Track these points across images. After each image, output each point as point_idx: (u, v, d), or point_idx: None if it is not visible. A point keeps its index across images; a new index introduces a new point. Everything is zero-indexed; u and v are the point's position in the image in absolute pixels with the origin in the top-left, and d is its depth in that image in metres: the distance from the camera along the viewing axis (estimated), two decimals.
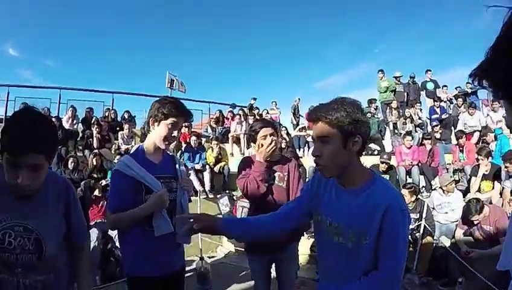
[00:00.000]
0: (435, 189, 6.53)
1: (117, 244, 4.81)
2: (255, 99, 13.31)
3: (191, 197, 5.27)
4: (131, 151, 2.34)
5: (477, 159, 5.97)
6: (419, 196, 5.52)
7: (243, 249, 5.50)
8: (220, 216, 2.36)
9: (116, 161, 6.81)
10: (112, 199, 2.19)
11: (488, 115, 8.52)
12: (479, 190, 5.78)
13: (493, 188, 5.62)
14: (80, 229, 1.74)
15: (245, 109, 12.18)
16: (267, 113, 12.15)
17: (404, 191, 4.89)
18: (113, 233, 4.91)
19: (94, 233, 4.81)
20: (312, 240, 5.04)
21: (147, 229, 2.05)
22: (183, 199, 2.24)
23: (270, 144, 2.62)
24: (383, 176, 6.17)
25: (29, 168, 1.39)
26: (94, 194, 5.51)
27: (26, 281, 1.49)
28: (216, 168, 8.00)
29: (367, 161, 7.87)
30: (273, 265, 2.84)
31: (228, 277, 4.78)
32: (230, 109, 12.80)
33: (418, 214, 4.81)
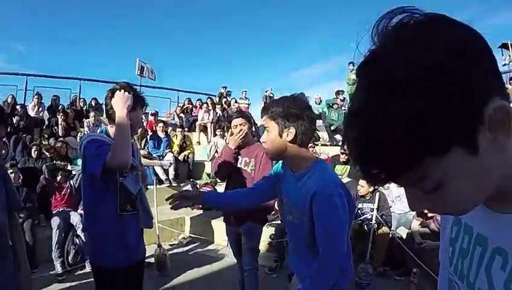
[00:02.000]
0: None
1: (78, 232, 4.90)
2: (225, 88, 13.43)
3: (150, 186, 5.36)
4: (97, 133, 2.33)
5: None
6: (379, 187, 5.72)
7: (203, 237, 5.72)
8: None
9: None
10: (102, 154, 1.94)
11: None
12: None
13: None
14: (14, 197, 1.93)
15: (213, 98, 12.24)
16: (236, 102, 12.25)
17: (362, 182, 4.99)
18: (75, 221, 4.97)
19: (56, 221, 4.81)
20: (272, 228, 5.21)
21: (117, 213, 2.07)
22: (129, 182, 2.15)
23: (238, 132, 3.02)
24: (342, 166, 6.42)
25: None
26: (57, 181, 5.51)
27: None
28: (181, 157, 8.08)
29: (331, 151, 8.11)
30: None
31: (188, 264, 4.88)
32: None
33: (373, 204, 4.90)
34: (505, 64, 11.92)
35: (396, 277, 4.47)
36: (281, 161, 1.96)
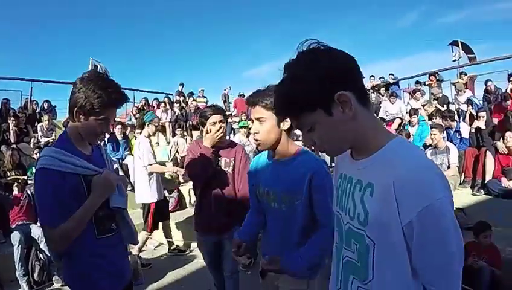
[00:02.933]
0: None
1: (41, 246, 4.58)
2: (182, 84, 13.25)
3: None
4: (55, 143, 1.89)
5: None
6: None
7: (172, 241, 5.54)
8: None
9: (35, 155, 6.37)
10: (49, 208, 1.61)
11: (408, 103, 9.46)
12: None
13: None
14: None
15: (170, 97, 11.95)
16: (194, 100, 12.04)
17: None
18: (36, 234, 4.63)
19: (17, 236, 4.47)
20: None
21: (95, 238, 1.73)
22: (115, 197, 1.82)
23: (218, 130, 2.72)
24: None
25: None
26: (13, 193, 5.13)
27: None
28: None
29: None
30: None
31: (161, 269, 4.76)
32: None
33: None
34: (454, 60, 12.63)
35: None
36: (254, 160, 2.06)
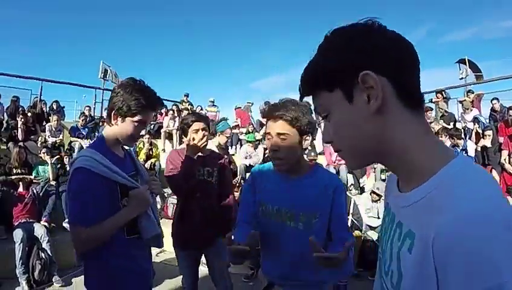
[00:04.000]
0: (363, 187, 6.97)
1: (43, 245, 4.61)
2: (187, 95, 13.10)
3: None
4: (91, 143, 1.97)
5: None
6: (348, 194, 5.89)
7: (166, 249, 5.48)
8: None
9: (42, 155, 6.41)
10: (82, 208, 1.62)
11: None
12: None
13: None
14: None
15: (178, 105, 11.98)
16: (201, 109, 12.01)
17: None
18: (39, 233, 4.67)
19: (19, 234, 4.49)
20: None
21: (125, 237, 1.72)
22: (147, 226, 1.80)
23: (202, 138, 2.59)
24: None
25: None
26: (18, 191, 5.16)
27: None
28: (147, 165, 7.84)
29: None
30: (203, 258, 2.90)
31: (161, 275, 4.68)
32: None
33: (349, 209, 5.09)
34: (461, 78, 12.59)
35: (370, 277, 4.66)
36: (252, 173, 1.91)
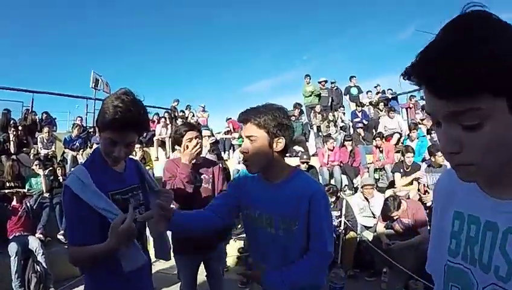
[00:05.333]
0: (357, 187, 7.00)
1: (38, 258, 4.62)
2: (177, 101, 13.05)
3: None
4: (87, 159, 1.84)
5: (403, 156, 6.34)
6: (342, 194, 5.90)
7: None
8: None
9: (34, 167, 6.39)
10: (72, 229, 1.62)
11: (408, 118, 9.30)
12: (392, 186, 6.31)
13: (412, 183, 6.03)
14: None
15: (171, 112, 11.97)
16: (193, 116, 12.02)
17: None
18: (34, 246, 4.67)
19: (14, 248, 4.51)
20: (240, 242, 5.16)
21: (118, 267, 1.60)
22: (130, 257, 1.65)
23: (195, 146, 2.68)
24: None
25: None
26: (12, 204, 5.15)
27: None
28: None
29: (291, 162, 8.14)
30: (202, 264, 2.92)
31: (159, 284, 4.70)
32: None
33: (339, 212, 5.07)
34: None
35: (367, 278, 4.72)
36: (240, 174, 1.90)
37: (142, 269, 1.70)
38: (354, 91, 11.71)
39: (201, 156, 2.90)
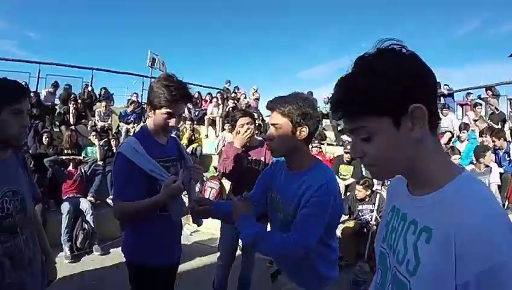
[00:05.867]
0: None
1: (87, 218, 5.06)
2: (229, 82, 13.30)
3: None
4: (137, 132, 2.22)
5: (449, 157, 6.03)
6: (378, 188, 5.82)
7: (208, 229, 5.73)
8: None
9: (91, 137, 6.89)
10: (121, 187, 1.92)
11: (463, 117, 8.82)
12: None
13: None
14: (34, 187, 1.92)
15: (223, 93, 12.21)
16: (245, 98, 12.22)
17: (358, 187, 5.14)
18: (84, 207, 5.11)
19: (66, 207, 4.95)
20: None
21: (157, 213, 1.96)
22: (191, 186, 2.13)
23: (246, 131, 2.96)
24: (347, 166, 6.45)
25: None
26: (68, 169, 5.61)
27: (24, 237, 1.66)
28: (189, 149, 8.13)
29: (337, 151, 8.15)
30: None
31: (194, 254, 4.97)
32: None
33: (373, 205, 5.03)
34: None
35: None
36: (275, 159, 1.96)
37: (173, 225, 2.08)
38: None
39: (255, 139, 3.16)
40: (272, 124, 1.73)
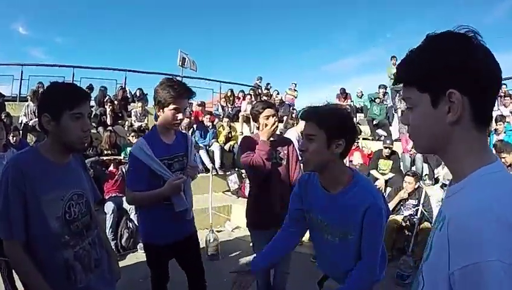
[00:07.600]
0: (437, 178, 6.71)
1: (131, 217, 5.15)
2: (260, 78, 13.32)
3: (203, 174, 5.55)
4: (147, 133, 2.61)
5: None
6: (421, 183, 5.70)
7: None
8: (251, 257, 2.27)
9: (130, 137, 7.03)
10: (132, 179, 2.39)
11: (498, 109, 8.48)
12: None
13: None
14: (94, 188, 1.98)
15: (256, 90, 12.23)
16: (278, 94, 12.19)
17: (409, 179, 5.06)
18: (128, 206, 5.19)
19: (110, 206, 5.08)
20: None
21: (163, 203, 2.35)
22: (179, 202, 2.38)
23: (273, 124, 2.76)
24: (386, 161, 6.34)
25: None
26: (109, 169, 5.76)
27: (90, 239, 1.72)
28: (226, 147, 8.19)
29: (373, 145, 8.04)
30: None
31: (235, 250, 5.02)
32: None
33: (417, 201, 4.96)
34: None
35: None
36: (306, 175, 1.87)
37: (184, 214, 2.45)
38: None
39: (276, 133, 2.95)
40: (306, 135, 1.67)
